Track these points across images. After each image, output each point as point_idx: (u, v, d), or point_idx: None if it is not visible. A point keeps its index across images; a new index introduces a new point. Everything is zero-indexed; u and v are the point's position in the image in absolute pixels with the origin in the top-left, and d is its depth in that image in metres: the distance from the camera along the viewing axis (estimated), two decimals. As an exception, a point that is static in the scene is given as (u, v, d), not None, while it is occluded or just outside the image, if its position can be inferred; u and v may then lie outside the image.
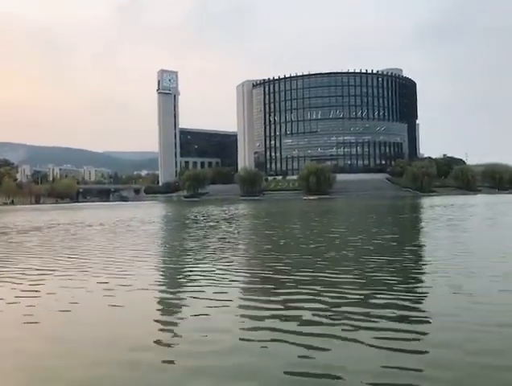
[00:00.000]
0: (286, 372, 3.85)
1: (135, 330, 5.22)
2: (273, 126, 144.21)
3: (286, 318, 5.43)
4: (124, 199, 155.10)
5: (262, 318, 5.45)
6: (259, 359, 4.19)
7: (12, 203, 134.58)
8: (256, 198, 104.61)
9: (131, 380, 3.86)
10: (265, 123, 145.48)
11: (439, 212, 29.87)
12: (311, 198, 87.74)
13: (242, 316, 5.57)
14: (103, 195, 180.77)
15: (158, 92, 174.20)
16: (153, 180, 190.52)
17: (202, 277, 8.14)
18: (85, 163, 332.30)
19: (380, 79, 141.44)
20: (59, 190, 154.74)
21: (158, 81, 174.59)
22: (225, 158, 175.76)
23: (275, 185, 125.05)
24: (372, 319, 5.26)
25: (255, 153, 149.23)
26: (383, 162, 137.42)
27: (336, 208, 45.07)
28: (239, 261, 10.37)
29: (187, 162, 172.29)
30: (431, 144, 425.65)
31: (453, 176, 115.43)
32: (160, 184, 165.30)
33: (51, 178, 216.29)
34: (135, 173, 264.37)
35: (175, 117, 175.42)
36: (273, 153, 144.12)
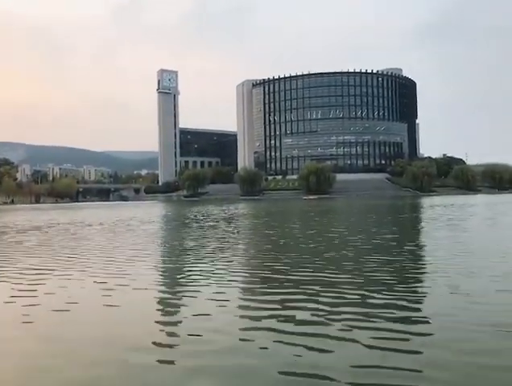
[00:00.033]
0: (284, 373, 3.84)
1: (134, 330, 5.21)
2: (273, 126, 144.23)
3: (285, 319, 5.42)
4: (124, 198, 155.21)
5: (261, 319, 5.44)
6: (258, 360, 4.18)
7: (12, 202, 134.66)
8: (256, 197, 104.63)
9: (129, 381, 3.86)
10: (265, 123, 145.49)
11: (439, 212, 29.87)
12: (311, 197, 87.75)
13: (241, 316, 5.56)
14: (103, 194, 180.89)
15: (158, 92, 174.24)
16: (153, 180, 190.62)
17: (201, 277, 8.14)
18: (85, 163, 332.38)
19: (380, 79, 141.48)
20: (59, 190, 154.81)
21: (158, 81, 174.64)
22: (224, 157, 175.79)
23: (275, 185, 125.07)
24: (370, 319, 5.25)
25: (255, 152, 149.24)
26: (383, 161, 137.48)
27: (335, 208, 45.07)
28: (238, 261, 10.36)
29: (187, 162, 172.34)
30: (431, 144, 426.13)
31: (453, 176, 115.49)
32: (160, 184, 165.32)
33: (50, 178, 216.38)
34: (135, 172, 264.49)
35: (175, 116, 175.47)
36: (273, 153, 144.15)
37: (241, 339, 4.72)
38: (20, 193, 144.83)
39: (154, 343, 4.63)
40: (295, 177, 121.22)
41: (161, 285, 8.04)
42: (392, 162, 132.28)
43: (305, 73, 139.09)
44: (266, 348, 4.41)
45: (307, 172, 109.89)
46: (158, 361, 4.16)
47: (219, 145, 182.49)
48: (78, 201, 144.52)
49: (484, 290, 6.67)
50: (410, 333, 4.78)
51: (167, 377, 3.89)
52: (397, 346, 4.37)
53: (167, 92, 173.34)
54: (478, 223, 20.39)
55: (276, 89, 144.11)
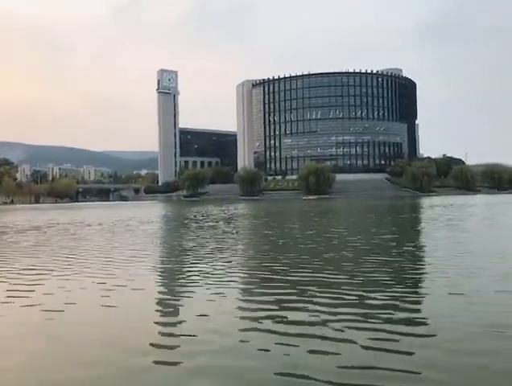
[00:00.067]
0: (282, 374, 3.84)
1: (133, 331, 5.21)
2: (272, 126, 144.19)
3: (284, 320, 5.42)
4: (124, 198, 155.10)
5: (259, 320, 5.43)
6: (257, 361, 4.17)
7: (12, 202, 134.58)
8: (255, 197, 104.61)
9: (128, 381, 3.85)
10: (264, 123, 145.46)
11: (438, 212, 29.87)
12: (311, 198, 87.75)
13: (240, 317, 5.56)
14: (103, 194, 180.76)
15: (158, 92, 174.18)
16: (153, 180, 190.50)
17: (200, 278, 8.13)
18: (85, 163, 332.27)
19: (380, 79, 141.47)
20: (58, 190, 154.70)
21: (158, 81, 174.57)
22: (224, 157, 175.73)
23: (275, 185, 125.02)
24: (369, 320, 5.25)
25: (255, 152, 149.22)
26: (383, 162, 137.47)
27: (335, 208, 45.07)
28: (238, 262, 10.36)
29: (186, 162, 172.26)
30: (431, 144, 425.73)
31: (453, 176, 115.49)
32: (160, 184, 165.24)
33: (50, 178, 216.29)
34: (135, 172, 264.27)
35: (175, 116, 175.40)
36: (272, 153, 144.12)
37: (240, 341, 4.71)
38: (20, 193, 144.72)
39: (152, 344, 4.62)
40: (294, 177, 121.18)
41: (160, 285, 8.04)
42: (392, 163, 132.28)
43: (305, 73, 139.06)
44: (264, 349, 4.40)
45: (307, 172, 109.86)
46: (156, 362, 4.16)
47: (219, 145, 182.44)
48: (78, 201, 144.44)
49: (483, 291, 6.65)
50: (409, 334, 4.77)
51: (166, 378, 3.88)
52: (395, 347, 4.36)
53: (167, 92, 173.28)
54: (477, 224, 20.39)
55: (276, 89, 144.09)
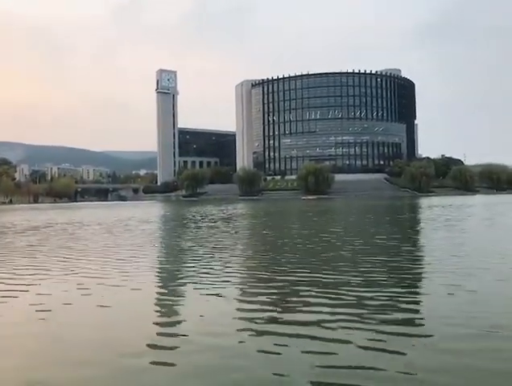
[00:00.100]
0: (283, 375, 3.81)
1: (129, 332, 5.18)
2: (272, 126, 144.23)
3: (283, 320, 5.39)
4: (122, 198, 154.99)
5: (258, 320, 5.40)
6: (256, 362, 4.14)
7: (10, 202, 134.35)
8: (255, 197, 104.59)
9: (125, 382, 3.82)
10: (264, 123, 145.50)
11: (437, 212, 29.87)
12: (310, 198, 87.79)
13: (238, 318, 5.52)
14: (101, 194, 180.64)
15: (157, 92, 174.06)
16: (151, 180, 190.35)
17: (198, 278, 8.10)
18: (84, 163, 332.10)
19: (378, 79, 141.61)
20: (57, 190, 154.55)
21: (157, 81, 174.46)
22: (223, 157, 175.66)
23: (274, 185, 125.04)
24: (367, 321, 5.22)
25: (254, 152, 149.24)
26: (382, 162, 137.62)
27: (334, 208, 45.07)
28: (236, 262, 10.33)
29: (185, 162, 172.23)
30: (430, 144, 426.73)
31: (451, 176, 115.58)
32: (159, 184, 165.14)
33: (49, 178, 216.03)
34: (134, 172, 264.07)
35: (174, 116, 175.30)
36: (271, 153, 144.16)
37: (238, 341, 4.68)
38: (18, 193, 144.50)
39: (149, 345, 4.59)
40: (293, 177, 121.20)
41: (158, 285, 8.01)
42: (390, 163, 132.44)
43: (304, 73, 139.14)
44: (263, 351, 4.36)
45: (306, 172, 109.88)
46: (153, 363, 4.12)
47: (218, 145, 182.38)
48: (76, 201, 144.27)
49: (482, 291, 6.62)
50: (408, 334, 4.75)
51: (163, 379, 3.85)
52: (394, 348, 4.33)
53: (166, 92, 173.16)
54: (476, 224, 20.39)
55: (275, 89, 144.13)
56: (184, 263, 10.25)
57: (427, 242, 13.57)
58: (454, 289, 6.68)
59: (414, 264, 9.60)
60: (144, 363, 4.12)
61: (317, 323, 5.20)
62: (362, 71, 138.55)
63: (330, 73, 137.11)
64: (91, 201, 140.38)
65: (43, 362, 4.35)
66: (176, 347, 4.57)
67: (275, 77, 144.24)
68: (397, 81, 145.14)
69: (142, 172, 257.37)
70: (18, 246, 14.39)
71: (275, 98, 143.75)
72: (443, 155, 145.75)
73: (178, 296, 6.94)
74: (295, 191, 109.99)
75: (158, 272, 9.37)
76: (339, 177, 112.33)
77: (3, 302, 6.59)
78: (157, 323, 5.49)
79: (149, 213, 40.66)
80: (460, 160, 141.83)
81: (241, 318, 5.50)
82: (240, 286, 7.56)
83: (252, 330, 5.05)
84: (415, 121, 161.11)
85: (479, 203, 48.88)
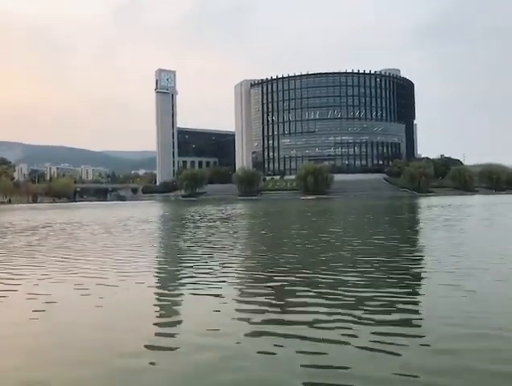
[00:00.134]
0: (282, 375, 3.80)
1: (129, 332, 5.15)
2: (271, 126, 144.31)
3: (282, 321, 5.38)
4: (121, 198, 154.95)
5: (257, 321, 5.39)
6: (255, 363, 4.13)
7: (9, 201, 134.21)
8: (254, 197, 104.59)
9: (123, 383, 3.80)
10: (263, 123, 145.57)
11: (436, 213, 29.88)
12: (309, 198, 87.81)
13: (237, 319, 5.50)
14: (100, 194, 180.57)
15: (156, 92, 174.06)
16: (151, 180, 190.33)
17: (198, 278, 8.07)
18: (83, 162, 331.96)
19: (378, 79, 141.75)
20: (56, 190, 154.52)
21: (156, 80, 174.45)
22: (222, 157, 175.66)
23: (273, 185, 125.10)
24: (366, 322, 5.20)
25: (253, 152, 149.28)
26: (381, 162, 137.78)
27: (333, 208, 45.06)
28: (235, 262, 10.30)
29: (184, 162, 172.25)
30: (430, 144, 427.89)
31: (451, 176, 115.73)
32: (158, 184, 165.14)
33: (48, 177, 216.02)
34: (133, 172, 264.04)
35: (173, 116, 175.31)
36: (271, 153, 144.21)
37: (237, 342, 4.66)
38: (17, 192, 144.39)
39: (147, 346, 4.57)
40: (293, 177, 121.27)
41: (157, 286, 7.98)
42: (390, 163, 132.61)
43: (303, 73, 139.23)
44: (263, 352, 4.34)
45: (305, 172, 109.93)
46: (152, 363, 4.11)
47: (217, 145, 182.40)
48: (75, 201, 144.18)
49: (482, 292, 6.60)
50: (407, 335, 4.73)
51: (162, 380, 3.83)
52: (392, 349, 4.32)
53: (165, 92, 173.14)
54: (476, 224, 20.39)
55: (274, 89, 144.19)
56: (183, 263, 10.22)
57: (426, 242, 13.56)
58: (453, 289, 6.67)
59: (414, 264, 9.58)
60: (143, 364, 4.10)
61: (315, 324, 5.18)
62: (361, 71, 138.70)
63: (329, 73, 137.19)
64: (90, 201, 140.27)
65: (42, 362, 4.33)
66: (175, 347, 4.55)
67: (274, 77, 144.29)
68: (396, 81, 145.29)
69: (141, 172, 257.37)
70: (17, 246, 14.35)
71: (274, 98, 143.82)
72: (442, 155, 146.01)
73: (177, 296, 6.92)
74: (294, 191, 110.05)
75: (157, 272, 9.35)
76: (338, 177, 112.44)
77: (1, 302, 6.57)
78: (156, 323, 5.48)
79: (148, 213, 40.62)
80: (459, 160, 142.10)
81: (240, 319, 5.48)
82: (239, 286, 7.54)
83: (251, 330, 5.04)
84: (414, 121, 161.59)
85: (478, 203, 48.91)
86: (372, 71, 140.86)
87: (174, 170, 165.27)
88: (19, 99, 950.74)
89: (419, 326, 5.13)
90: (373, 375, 3.75)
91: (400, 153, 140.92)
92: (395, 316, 5.47)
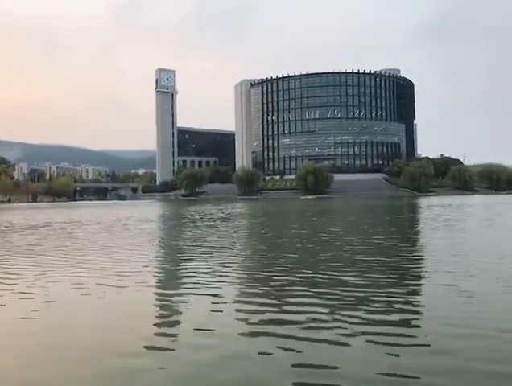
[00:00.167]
0: (282, 375, 3.79)
1: (128, 332, 5.14)
2: (271, 126, 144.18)
3: (282, 322, 5.37)
4: (121, 197, 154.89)
5: (257, 321, 5.39)
6: (254, 363, 4.13)
7: (9, 201, 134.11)
8: (254, 197, 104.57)
9: (123, 384, 3.80)
10: (263, 122, 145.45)
11: (436, 212, 29.88)
12: (309, 197, 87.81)
13: (237, 319, 5.50)
14: (100, 193, 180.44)
15: (156, 91, 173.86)
16: (150, 179, 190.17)
17: (197, 278, 8.07)
18: (83, 162, 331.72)
19: (378, 79, 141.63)
20: (56, 189, 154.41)
21: (156, 80, 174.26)
22: (222, 157, 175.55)
23: (273, 184, 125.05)
24: (366, 322, 5.20)
25: (253, 152, 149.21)
26: (381, 162, 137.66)
27: (333, 208, 45.06)
28: (235, 262, 10.30)
29: (184, 161, 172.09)
30: (430, 144, 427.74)
31: (451, 176, 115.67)
32: (158, 183, 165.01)
33: (48, 177, 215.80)
34: (133, 172, 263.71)
35: (173, 115, 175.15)
36: (271, 153, 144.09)
37: (237, 342, 4.66)
38: (17, 192, 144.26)
39: (147, 346, 4.57)
40: (292, 177, 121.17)
41: (156, 285, 7.98)
42: (390, 163, 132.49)
43: (303, 73, 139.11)
44: (263, 352, 4.34)
45: (305, 172, 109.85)
46: (151, 363, 4.11)
47: (217, 144, 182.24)
48: (75, 200, 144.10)
49: (482, 292, 6.60)
50: (406, 335, 4.73)
51: (161, 380, 3.83)
52: (394, 351, 4.31)
53: (165, 92, 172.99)
54: (476, 224, 20.40)
55: (274, 89, 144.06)
56: (183, 263, 10.22)
57: (426, 242, 13.56)
58: (453, 290, 6.67)
59: (413, 264, 9.58)
60: (143, 364, 4.10)
61: (315, 324, 5.18)
62: (361, 70, 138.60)
63: (329, 73, 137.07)
64: (90, 200, 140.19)
65: (42, 362, 4.33)
66: (175, 348, 4.55)
67: (274, 77, 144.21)
68: (396, 81, 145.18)
69: (141, 171, 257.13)
70: (17, 245, 14.35)
71: (274, 98, 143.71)
72: (442, 155, 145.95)
73: (176, 296, 6.91)
74: (294, 191, 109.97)
75: (157, 271, 9.35)
76: (338, 177, 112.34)
77: (0, 302, 6.56)
78: (156, 323, 5.47)
79: (148, 212, 40.61)
80: (459, 160, 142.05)
81: (239, 319, 5.48)
82: (238, 286, 7.54)
83: (251, 330, 5.04)
84: (414, 121, 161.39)
85: (478, 203, 48.92)
86: (372, 71, 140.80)
87: (174, 170, 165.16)
88: (19, 99, 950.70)
89: (419, 326, 5.13)
90: (373, 376, 3.75)
91: (400, 153, 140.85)
92: (395, 316, 5.46)
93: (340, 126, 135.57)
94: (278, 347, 4.43)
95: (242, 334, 4.89)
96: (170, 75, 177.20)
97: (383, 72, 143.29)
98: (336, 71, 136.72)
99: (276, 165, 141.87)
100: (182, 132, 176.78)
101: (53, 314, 5.95)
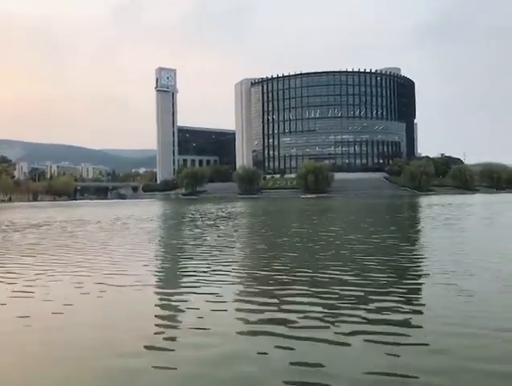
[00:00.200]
0: (281, 375, 3.80)
1: (128, 332, 5.14)
2: (271, 125, 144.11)
3: (282, 322, 5.36)
4: (122, 196, 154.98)
5: (257, 321, 5.39)
6: (254, 364, 4.13)
7: (10, 200, 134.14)
8: (254, 196, 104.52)
9: (123, 384, 3.80)
10: (263, 121, 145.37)
11: (436, 211, 29.87)
12: (310, 196, 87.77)
13: (236, 319, 5.50)
14: (101, 192, 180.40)
15: (157, 90, 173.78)
16: (151, 178, 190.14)
17: (197, 277, 8.07)
18: (83, 161, 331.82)
19: (378, 78, 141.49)
20: (56, 188, 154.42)
21: (157, 79, 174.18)
22: (223, 156, 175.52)
23: (273, 183, 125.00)
24: (366, 322, 5.20)
25: (253, 151, 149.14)
26: (381, 161, 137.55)
27: (334, 207, 45.04)
28: (235, 261, 10.31)
29: (185, 160, 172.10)
30: (430, 143, 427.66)
31: (451, 175, 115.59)
32: (158, 182, 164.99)
33: (48, 176, 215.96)
34: (133, 171, 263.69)
35: (174, 114, 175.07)
36: (271, 152, 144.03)
37: (237, 342, 4.67)
38: (18, 191, 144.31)
39: (147, 345, 4.57)
40: (293, 176, 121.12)
41: (157, 285, 7.98)
42: (390, 162, 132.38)
43: (303, 72, 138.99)
44: (263, 353, 4.34)
45: (306, 171, 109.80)
46: (151, 363, 4.10)
47: (217, 143, 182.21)
48: (76, 199, 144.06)
49: (482, 291, 6.60)
50: (406, 335, 4.73)
51: (161, 379, 3.83)
52: (393, 351, 4.31)
53: (166, 91, 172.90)
54: (476, 223, 20.38)
55: (274, 88, 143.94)
56: (183, 261, 10.22)
57: (426, 241, 13.55)
58: (453, 289, 6.67)
59: (413, 263, 9.58)
60: (143, 363, 4.10)
61: (314, 323, 5.19)
62: (362, 70, 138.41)
63: (330, 72, 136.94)
64: (90, 199, 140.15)
65: (42, 360, 4.34)
66: (175, 347, 4.55)
67: (274, 76, 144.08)
68: (396, 80, 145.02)
69: (142, 170, 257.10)
70: (17, 244, 14.36)
71: (275, 97, 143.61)
72: (442, 154, 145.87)
73: (176, 295, 6.91)
74: (294, 190, 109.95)
75: (157, 270, 9.35)
76: (338, 176, 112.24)
77: (2, 303, 6.56)
78: (155, 323, 5.47)
79: (148, 211, 40.61)
80: (459, 159, 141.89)
81: (239, 318, 5.48)
82: (238, 285, 7.54)
83: (251, 329, 5.04)
84: (415, 120, 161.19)
85: (479, 202, 48.88)
86: (372, 70, 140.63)
87: (174, 169, 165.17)
88: (19, 99, 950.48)
89: (418, 325, 5.12)
90: (372, 375, 3.75)
91: (400, 152, 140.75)
92: (394, 315, 5.46)
93: (340, 125, 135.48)
94: (277, 347, 4.43)
95: (242, 334, 4.89)
96: (170, 74, 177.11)
97: (383, 71, 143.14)
98: (336, 70, 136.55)
99: (276, 164, 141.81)
100: (182, 131, 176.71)
101: (53, 312, 5.95)
